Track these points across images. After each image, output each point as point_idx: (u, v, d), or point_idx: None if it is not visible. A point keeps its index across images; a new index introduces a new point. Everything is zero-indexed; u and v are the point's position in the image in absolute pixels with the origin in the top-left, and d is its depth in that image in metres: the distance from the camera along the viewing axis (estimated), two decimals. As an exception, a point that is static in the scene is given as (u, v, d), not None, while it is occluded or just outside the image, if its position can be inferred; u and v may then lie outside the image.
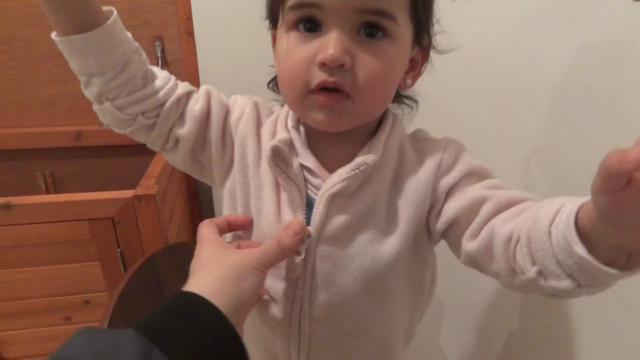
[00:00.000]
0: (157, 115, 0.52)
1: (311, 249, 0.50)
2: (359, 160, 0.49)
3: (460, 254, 0.50)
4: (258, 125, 0.56)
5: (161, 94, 0.51)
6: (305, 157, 0.52)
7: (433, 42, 0.53)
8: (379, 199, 0.51)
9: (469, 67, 0.92)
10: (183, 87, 0.54)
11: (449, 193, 0.51)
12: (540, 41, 0.80)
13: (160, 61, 1.31)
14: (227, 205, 0.56)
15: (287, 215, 0.51)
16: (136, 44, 0.51)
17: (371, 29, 0.44)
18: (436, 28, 0.52)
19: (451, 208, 0.49)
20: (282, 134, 0.52)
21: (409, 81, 0.53)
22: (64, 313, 0.99)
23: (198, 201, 1.46)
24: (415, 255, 0.53)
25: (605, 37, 0.67)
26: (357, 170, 0.48)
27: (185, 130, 0.53)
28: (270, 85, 0.58)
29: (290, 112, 0.55)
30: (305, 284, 0.51)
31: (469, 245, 0.47)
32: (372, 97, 0.46)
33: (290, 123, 0.54)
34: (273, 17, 0.51)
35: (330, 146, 0.52)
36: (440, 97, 1.23)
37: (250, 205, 0.54)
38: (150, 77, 0.52)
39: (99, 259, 0.93)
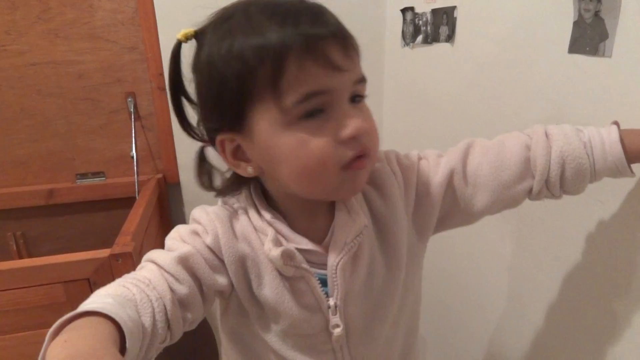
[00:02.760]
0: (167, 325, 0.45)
1: (341, 316, 0.53)
2: (359, 225, 0.52)
3: (469, 220, 0.59)
4: (235, 236, 0.52)
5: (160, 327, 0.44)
6: (298, 241, 0.52)
7: None
8: (372, 245, 0.55)
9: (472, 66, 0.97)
10: (162, 300, 0.45)
11: (418, 194, 0.57)
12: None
13: (132, 116, 1.34)
14: (235, 316, 0.55)
15: (306, 299, 0.53)
16: (146, 329, 0.42)
17: (358, 96, 0.47)
18: None
19: (431, 201, 0.56)
20: (268, 233, 0.51)
21: None
22: (39, 380, 0.95)
23: (175, 252, 1.45)
24: (411, 263, 0.58)
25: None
26: (360, 235, 0.52)
27: (195, 312, 0.49)
28: (227, 191, 0.55)
29: (258, 202, 0.53)
30: (344, 354, 0.56)
31: (479, 203, 0.56)
32: (375, 152, 0.50)
33: (267, 215, 0.52)
34: (232, 119, 0.47)
35: (308, 219, 0.54)
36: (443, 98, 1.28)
37: (263, 305, 0.53)
38: (156, 329, 0.44)
39: (75, 322, 0.91)
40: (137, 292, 0.43)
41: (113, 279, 0.89)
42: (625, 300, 0.62)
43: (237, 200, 0.55)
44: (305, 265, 0.52)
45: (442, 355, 1.21)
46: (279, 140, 0.45)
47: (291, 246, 0.51)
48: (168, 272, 0.47)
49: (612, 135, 0.52)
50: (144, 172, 1.39)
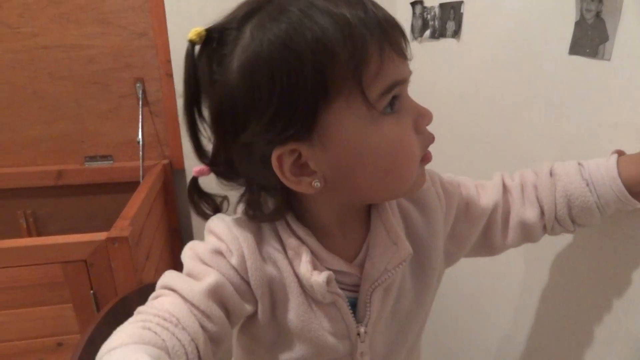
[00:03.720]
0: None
1: (368, 343, 0.50)
2: (403, 253, 0.48)
3: (494, 252, 0.58)
4: (262, 256, 0.46)
5: None
6: (331, 262, 0.47)
7: None
8: (404, 271, 0.52)
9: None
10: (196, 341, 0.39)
11: (455, 220, 0.55)
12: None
13: (141, 101, 1.35)
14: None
15: (335, 325, 0.48)
16: None
17: None
18: None
19: (468, 230, 0.55)
20: (302, 253, 0.45)
21: None
22: (38, 356, 0.99)
23: (180, 236, 1.48)
24: (436, 290, 0.57)
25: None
26: (403, 264, 0.48)
27: (225, 344, 0.44)
28: (274, 216, 0.47)
29: (289, 215, 0.46)
30: None
31: (507, 241, 0.56)
32: None
33: (301, 232, 0.46)
34: (300, 124, 0.38)
35: (342, 233, 0.49)
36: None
37: (291, 330, 0.48)
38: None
39: (72, 301, 0.94)
40: (168, 337, 0.37)
41: (109, 262, 0.92)
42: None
43: (262, 211, 0.46)
44: (339, 291, 0.47)
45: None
46: (368, 139, 0.39)
47: (329, 271, 0.46)
48: (198, 309, 0.40)
49: (610, 170, 0.50)
50: (151, 158, 1.41)
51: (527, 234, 0.56)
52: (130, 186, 1.45)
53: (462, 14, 0.93)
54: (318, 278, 0.44)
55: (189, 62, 0.41)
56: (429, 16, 1.08)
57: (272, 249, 0.46)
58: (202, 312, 0.41)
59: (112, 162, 1.44)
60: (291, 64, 0.35)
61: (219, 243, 0.45)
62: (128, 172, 1.42)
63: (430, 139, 0.44)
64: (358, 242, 0.49)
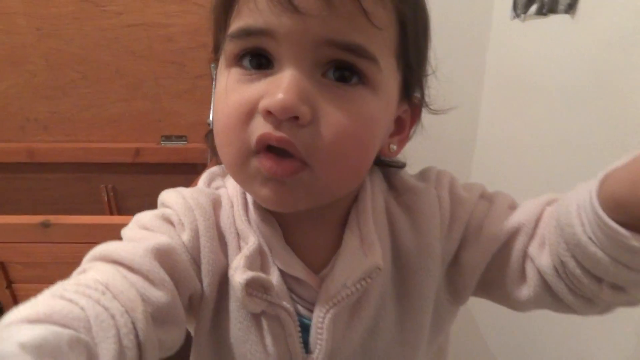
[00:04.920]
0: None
1: None
2: (369, 264, 0.37)
3: (515, 306, 0.41)
4: (218, 235, 0.39)
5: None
6: (288, 262, 0.39)
7: (426, 97, 0.42)
8: (385, 291, 0.40)
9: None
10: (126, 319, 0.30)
11: (463, 241, 0.41)
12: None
13: (214, 82, 1.32)
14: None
15: (276, 346, 0.38)
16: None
17: (342, 72, 0.33)
18: (431, 80, 0.41)
19: (476, 257, 0.40)
20: (248, 238, 0.38)
21: (394, 147, 0.40)
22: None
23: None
24: (436, 330, 0.44)
25: None
26: (367, 279, 0.37)
27: (175, 330, 0.36)
28: (210, 142, 0.43)
29: (251, 201, 0.41)
30: None
31: (522, 293, 0.39)
32: (340, 167, 0.34)
33: (255, 215, 0.39)
34: (216, 51, 0.39)
35: (306, 232, 0.40)
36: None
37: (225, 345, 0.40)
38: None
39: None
40: (89, 305, 0.28)
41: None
42: None
43: (225, 184, 0.42)
44: (284, 303, 0.37)
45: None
46: (217, 85, 0.37)
47: (274, 271, 0.37)
48: (137, 272, 0.32)
49: (591, 185, 0.32)
50: (221, 140, 1.39)
51: (547, 290, 0.37)
52: (202, 168, 1.45)
53: (581, -18, 0.75)
54: (238, 277, 0.35)
55: None
56: (537, -12, 0.90)
57: (228, 232, 0.39)
58: (144, 276, 0.32)
59: (186, 142, 1.44)
60: None
61: (169, 212, 0.39)
62: (200, 153, 1.40)
63: (268, 134, 0.32)
64: (330, 250, 0.40)
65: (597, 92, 0.73)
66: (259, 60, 0.34)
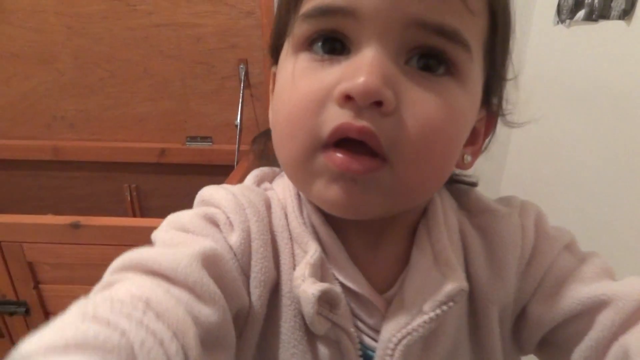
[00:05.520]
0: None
1: None
2: (452, 285, 0.31)
3: None
4: (272, 240, 0.34)
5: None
6: (349, 274, 0.33)
7: (503, 105, 0.37)
8: (461, 323, 0.35)
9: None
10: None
11: (537, 290, 0.36)
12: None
13: (242, 83, 1.31)
14: None
15: None
16: None
17: (428, 60, 0.28)
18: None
19: (546, 313, 0.34)
20: (307, 244, 0.33)
21: (469, 158, 0.35)
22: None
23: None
24: None
25: None
26: (451, 303, 0.31)
27: (228, 353, 0.30)
28: (256, 146, 0.39)
29: (305, 202, 0.36)
30: None
31: None
32: (424, 166, 0.29)
33: (315, 217, 0.34)
34: (278, 38, 0.35)
35: (367, 245, 0.35)
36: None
37: None
38: None
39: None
40: (130, 328, 0.21)
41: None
42: None
43: (273, 187, 0.38)
44: (349, 327, 0.32)
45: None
46: (279, 76, 0.33)
47: (336, 285, 0.32)
48: (182, 285, 0.26)
49: None
50: (247, 142, 1.37)
51: None
52: (227, 169, 1.44)
53: (639, -13, 0.71)
54: (309, 288, 0.30)
55: None
56: (586, -7, 0.87)
57: (280, 237, 0.34)
58: (190, 290, 0.26)
59: (211, 143, 1.43)
60: None
61: (215, 210, 0.33)
62: (225, 155, 1.39)
63: (347, 124, 0.27)
64: (395, 268, 0.35)
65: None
66: (333, 45, 0.29)
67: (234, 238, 0.32)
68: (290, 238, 0.34)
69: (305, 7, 0.30)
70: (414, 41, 0.28)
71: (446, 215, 0.36)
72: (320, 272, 0.32)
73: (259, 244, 0.32)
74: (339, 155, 0.28)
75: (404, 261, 0.35)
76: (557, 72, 0.99)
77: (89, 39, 1.32)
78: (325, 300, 0.31)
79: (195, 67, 1.34)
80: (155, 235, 0.32)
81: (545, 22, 1.03)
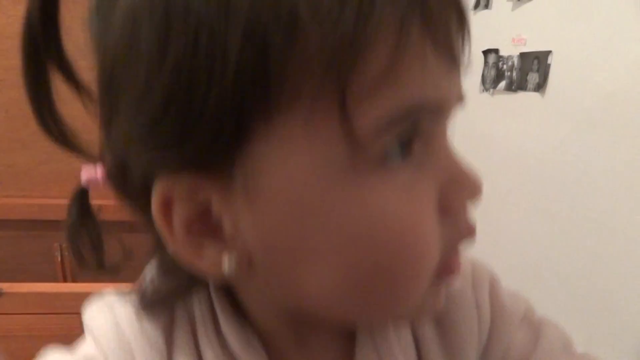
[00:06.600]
0: None
1: None
2: None
3: None
4: None
5: None
6: None
7: None
8: None
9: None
10: None
11: None
12: None
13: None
14: None
15: None
16: None
17: None
18: None
19: None
20: None
21: None
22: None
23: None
24: None
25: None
26: None
27: None
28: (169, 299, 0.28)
29: (222, 310, 0.27)
30: None
31: None
32: None
33: (236, 344, 0.26)
34: (213, 141, 0.20)
35: (301, 352, 0.29)
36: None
37: None
38: None
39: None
40: None
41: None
42: None
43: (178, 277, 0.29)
44: None
45: None
46: (337, 205, 0.20)
47: None
48: None
49: None
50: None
51: None
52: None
53: (549, 65, 0.82)
54: None
55: None
56: (505, 66, 0.97)
57: None
58: None
59: (152, 199, 1.39)
60: (203, 21, 0.18)
61: (93, 354, 0.26)
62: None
63: (466, 230, 0.23)
64: None
65: (563, 165, 0.77)
66: (404, 149, 0.21)
67: None
68: None
69: (383, 107, 0.20)
70: None
71: None
72: None
73: None
74: (456, 264, 0.24)
75: (341, 356, 0.30)
76: (484, 133, 1.08)
77: (21, 91, 1.27)
78: None
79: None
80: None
81: (473, 89, 1.13)
